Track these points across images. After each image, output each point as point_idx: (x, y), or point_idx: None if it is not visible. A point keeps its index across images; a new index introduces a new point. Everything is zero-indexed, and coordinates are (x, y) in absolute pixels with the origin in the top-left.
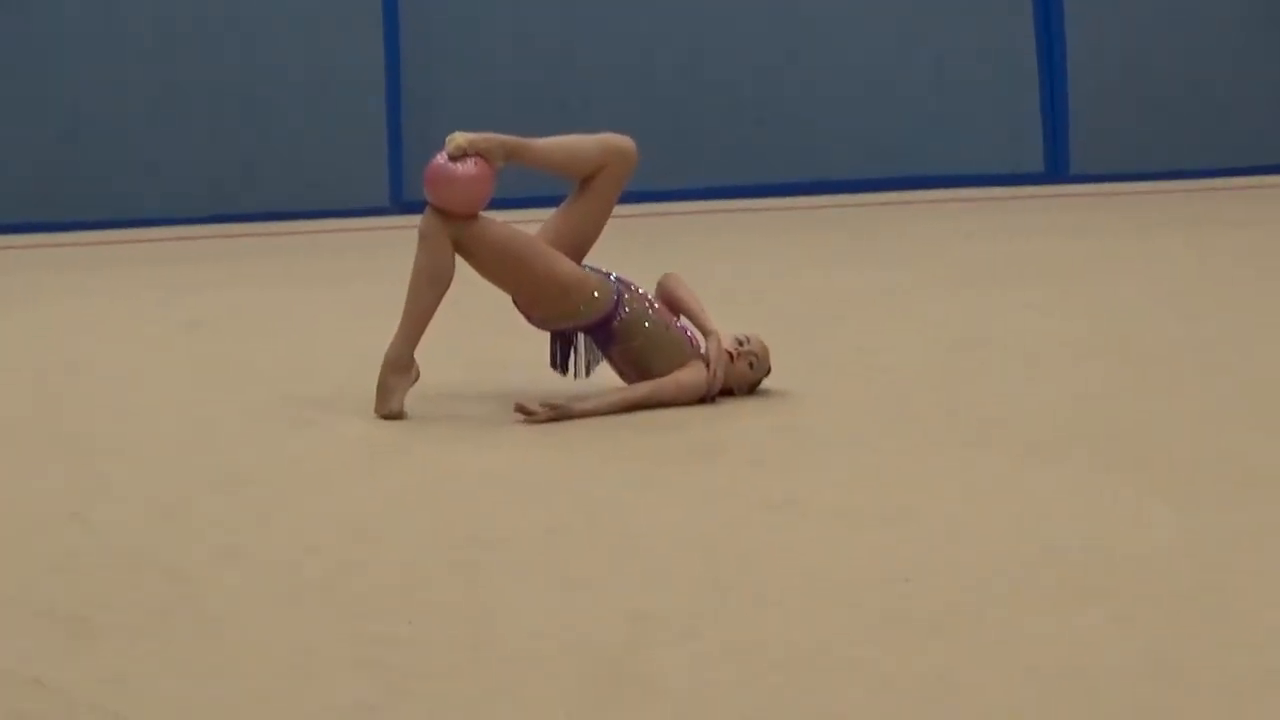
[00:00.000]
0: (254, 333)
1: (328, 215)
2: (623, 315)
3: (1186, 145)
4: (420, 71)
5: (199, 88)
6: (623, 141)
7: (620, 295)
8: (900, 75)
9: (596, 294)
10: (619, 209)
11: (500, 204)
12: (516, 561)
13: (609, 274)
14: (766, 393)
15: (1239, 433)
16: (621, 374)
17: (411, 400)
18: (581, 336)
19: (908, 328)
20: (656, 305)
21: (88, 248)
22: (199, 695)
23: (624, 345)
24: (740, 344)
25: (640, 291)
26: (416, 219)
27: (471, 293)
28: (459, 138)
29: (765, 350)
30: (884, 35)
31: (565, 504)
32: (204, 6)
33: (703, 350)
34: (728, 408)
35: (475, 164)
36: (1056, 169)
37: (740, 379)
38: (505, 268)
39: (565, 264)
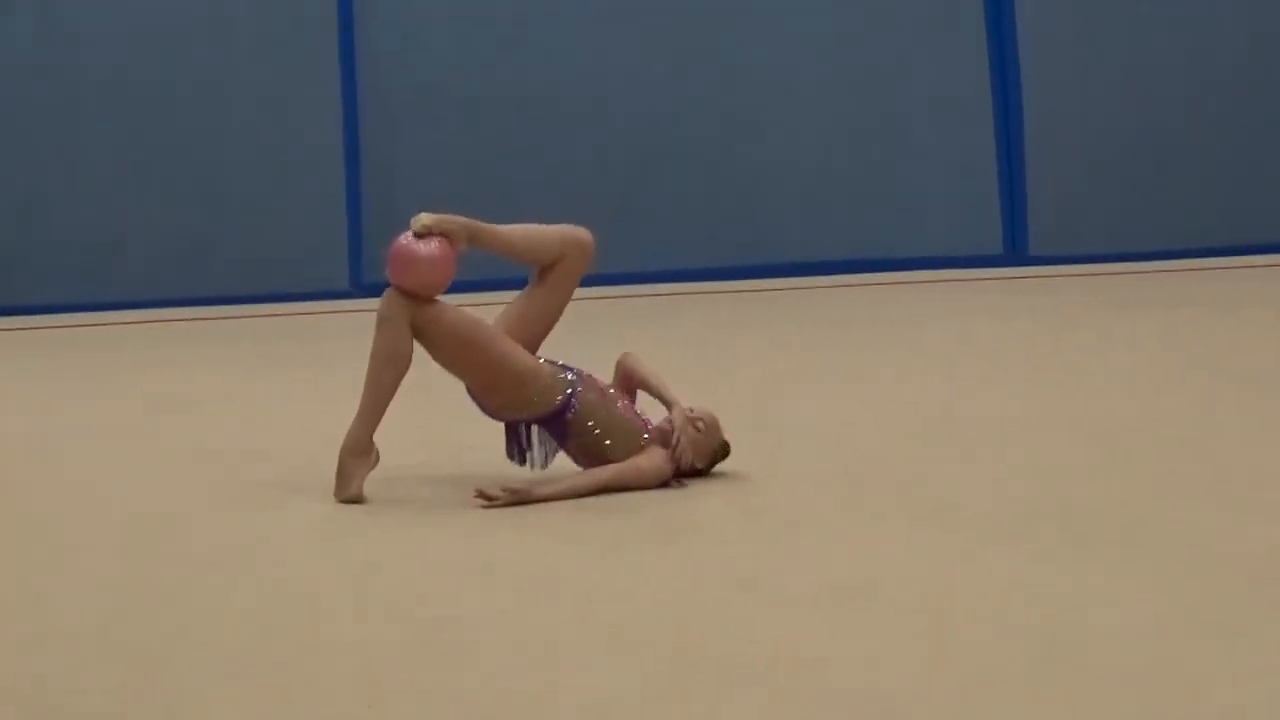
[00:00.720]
0: (213, 415)
1: (287, 299)
2: (575, 408)
3: (1148, 226)
4: (380, 150)
5: (156, 168)
6: (581, 234)
7: (574, 388)
8: (856, 157)
9: (550, 386)
10: (577, 291)
11: (460, 288)
12: (475, 642)
13: (565, 366)
14: (726, 474)
15: (1196, 511)
16: (578, 463)
17: (371, 484)
18: (535, 428)
19: (868, 409)
20: (611, 392)
21: (42, 331)
22: None
23: (579, 439)
24: (688, 412)
25: (595, 380)
26: (376, 302)
27: (433, 376)
28: (424, 218)
29: (714, 420)
30: (840, 115)
31: (524, 585)
32: (160, 85)
33: (659, 425)
34: (687, 489)
35: (438, 245)
36: (1015, 250)
37: (695, 449)
38: (460, 354)
39: (520, 353)
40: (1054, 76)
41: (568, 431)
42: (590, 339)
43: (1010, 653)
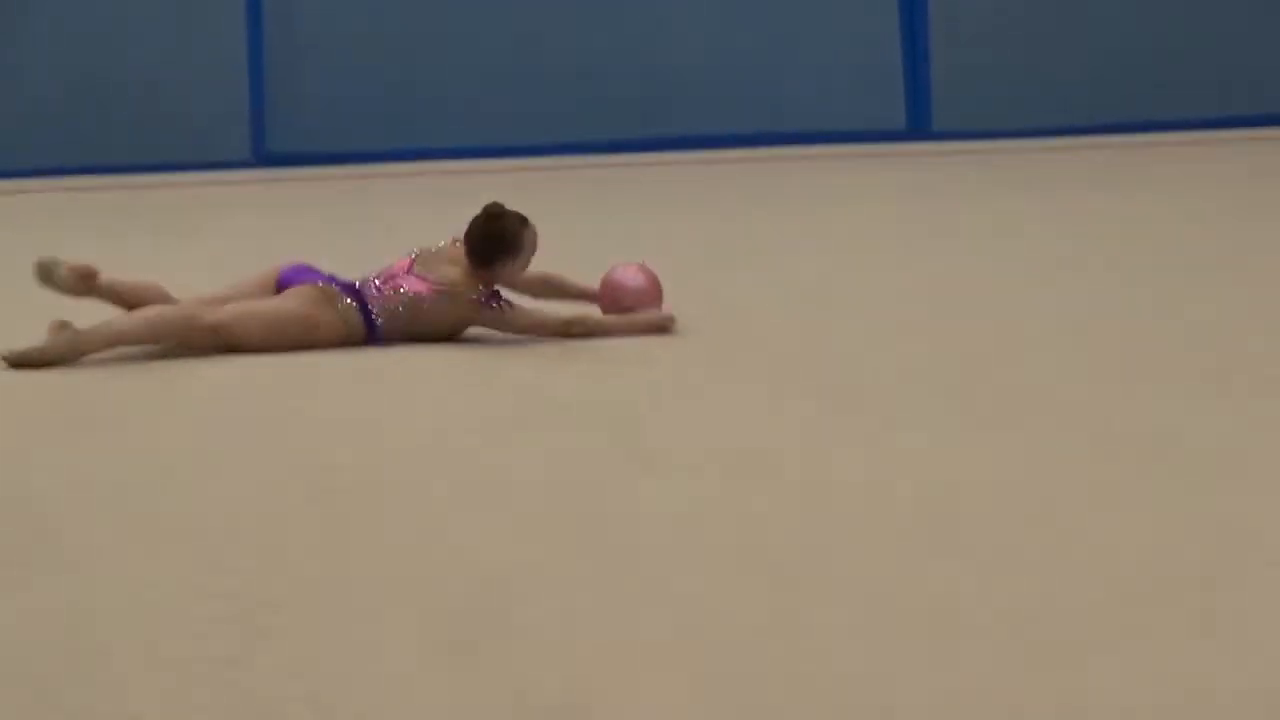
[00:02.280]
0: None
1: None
2: (379, 333)
3: (1045, 103)
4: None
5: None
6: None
7: (369, 313)
8: (765, 32)
9: (347, 327)
10: (457, 163)
11: None
12: (373, 502)
13: (347, 290)
14: (628, 346)
15: (1087, 385)
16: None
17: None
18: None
19: (774, 286)
20: (389, 288)
21: None
22: (58, 640)
23: (400, 334)
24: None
25: (384, 288)
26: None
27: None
28: None
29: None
30: None
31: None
32: None
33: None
34: (593, 363)
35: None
36: (918, 125)
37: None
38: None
39: (310, 328)
40: None
41: (382, 332)
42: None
43: (899, 519)
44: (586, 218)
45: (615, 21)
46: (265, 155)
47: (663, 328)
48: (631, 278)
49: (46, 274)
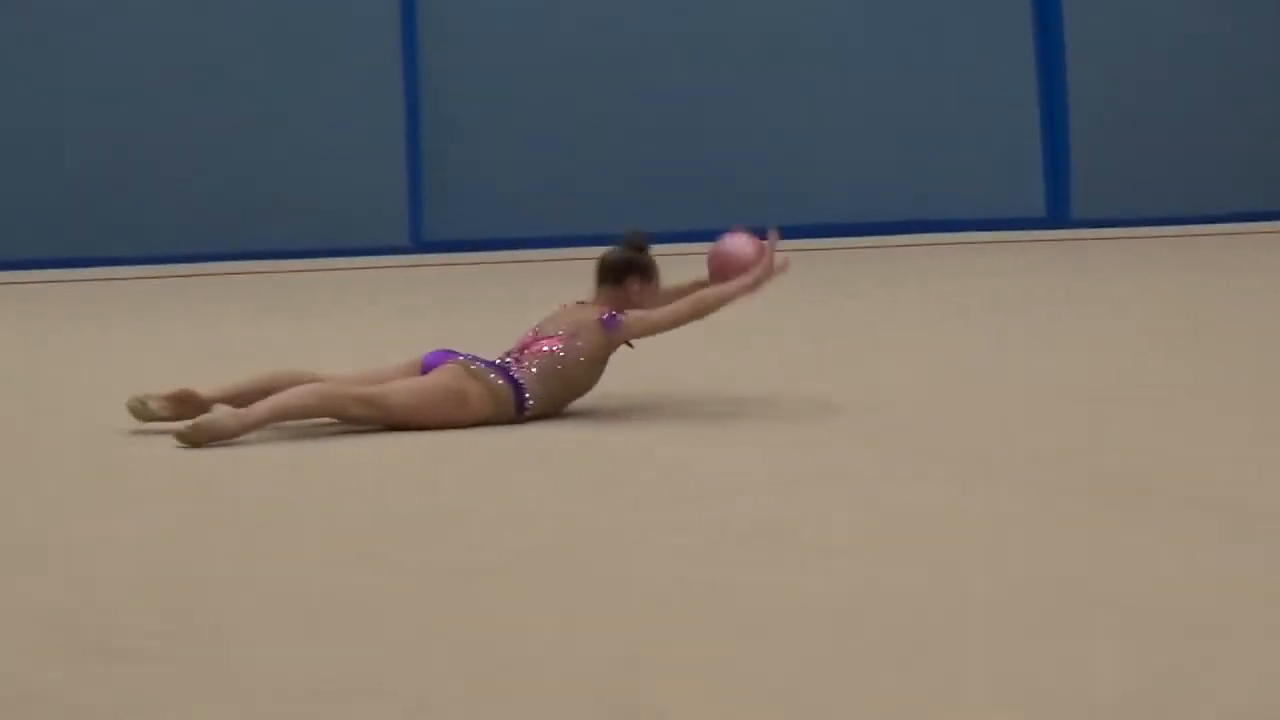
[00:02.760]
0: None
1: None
2: (528, 404)
3: (1186, 191)
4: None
5: (221, 127)
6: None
7: (514, 381)
8: (907, 124)
9: (495, 400)
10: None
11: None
12: (514, 588)
13: (490, 365)
14: (776, 420)
15: (1228, 466)
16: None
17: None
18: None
19: (917, 360)
20: (526, 356)
21: (120, 283)
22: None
23: (547, 401)
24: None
25: (521, 357)
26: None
27: None
28: None
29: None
30: (892, 85)
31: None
32: (221, 50)
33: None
34: (734, 440)
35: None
36: (1058, 213)
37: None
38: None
39: (461, 402)
40: (1097, 49)
41: (528, 407)
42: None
43: (1042, 602)
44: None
45: (762, 115)
46: (423, 242)
47: (771, 276)
48: (741, 247)
49: (141, 412)
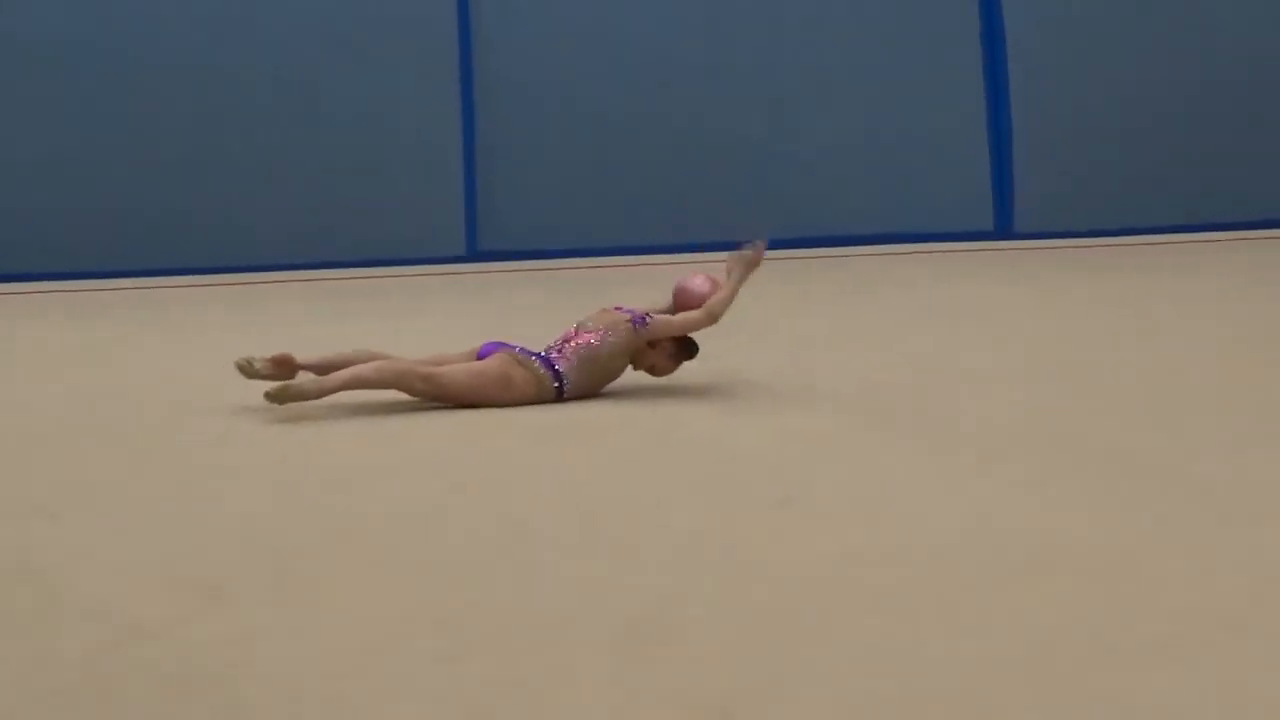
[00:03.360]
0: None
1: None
2: (565, 385)
3: (1122, 206)
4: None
5: (295, 150)
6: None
7: (554, 368)
8: (867, 147)
9: (538, 384)
10: (635, 258)
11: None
12: (555, 540)
13: (535, 355)
14: (778, 401)
15: (1143, 434)
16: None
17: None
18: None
19: (880, 356)
20: (568, 348)
21: (201, 289)
22: (307, 652)
23: (581, 386)
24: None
25: (563, 348)
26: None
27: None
28: None
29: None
30: (854, 114)
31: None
32: (294, 80)
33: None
34: (741, 416)
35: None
36: (1004, 228)
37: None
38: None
39: (508, 385)
40: (1040, 80)
41: (567, 392)
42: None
43: (990, 554)
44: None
45: (731, 140)
46: (478, 252)
47: (754, 262)
48: (698, 285)
49: (247, 370)
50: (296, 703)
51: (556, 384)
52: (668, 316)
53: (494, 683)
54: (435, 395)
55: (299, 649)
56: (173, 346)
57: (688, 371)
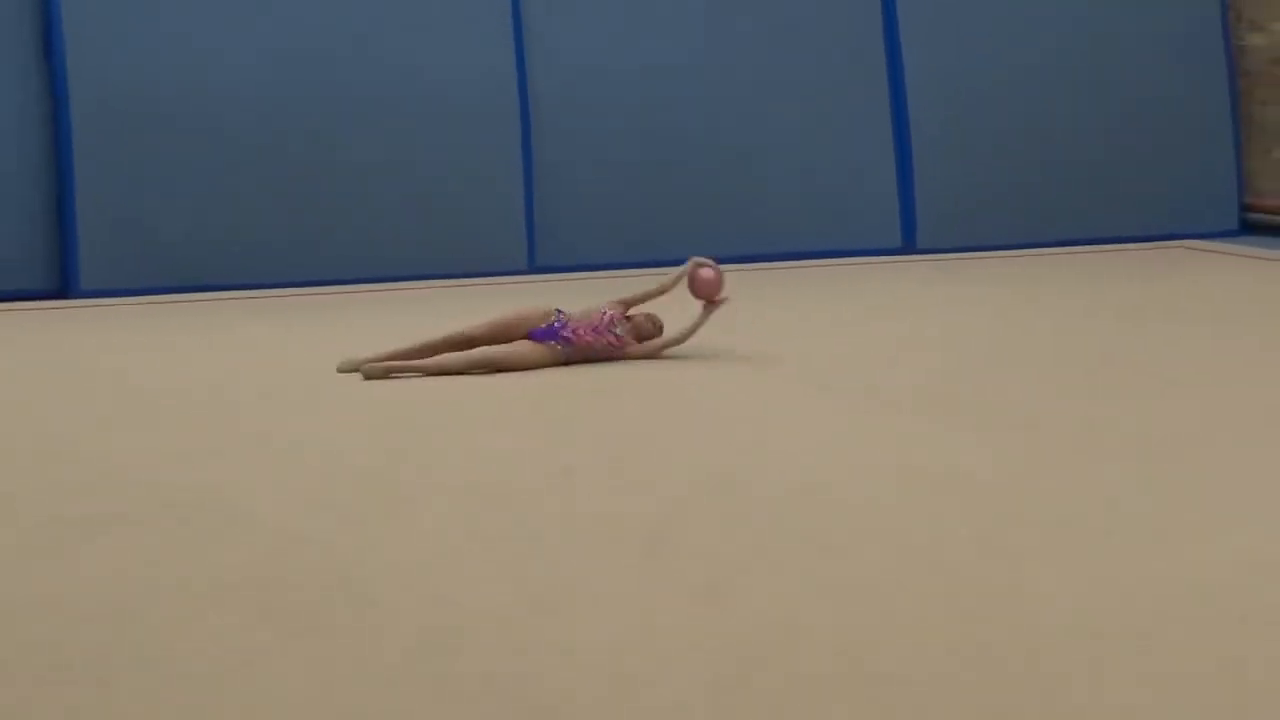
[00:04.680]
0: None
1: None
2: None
3: (1007, 226)
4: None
5: (368, 171)
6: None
7: (569, 342)
8: (793, 177)
9: (553, 356)
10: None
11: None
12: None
13: (561, 338)
14: (733, 373)
15: (1029, 392)
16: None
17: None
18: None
19: (792, 344)
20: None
21: (283, 299)
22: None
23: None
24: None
25: (577, 328)
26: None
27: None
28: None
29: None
30: (781, 148)
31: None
32: (354, 101)
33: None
34: (717, 380)
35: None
36: (910, 243)
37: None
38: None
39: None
40: (936, 113)
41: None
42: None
43: (888, 478)
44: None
45: (662, 163)
46: (537, 266)
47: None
48: (707, 275)
49: (350, 367)
50: (407, 589)
51: (565, 354)
52: (635, 345)
53: (553, 572)
54: (496, 368)
55: (381, 554)
56: (301, 338)
57: (686, 355)
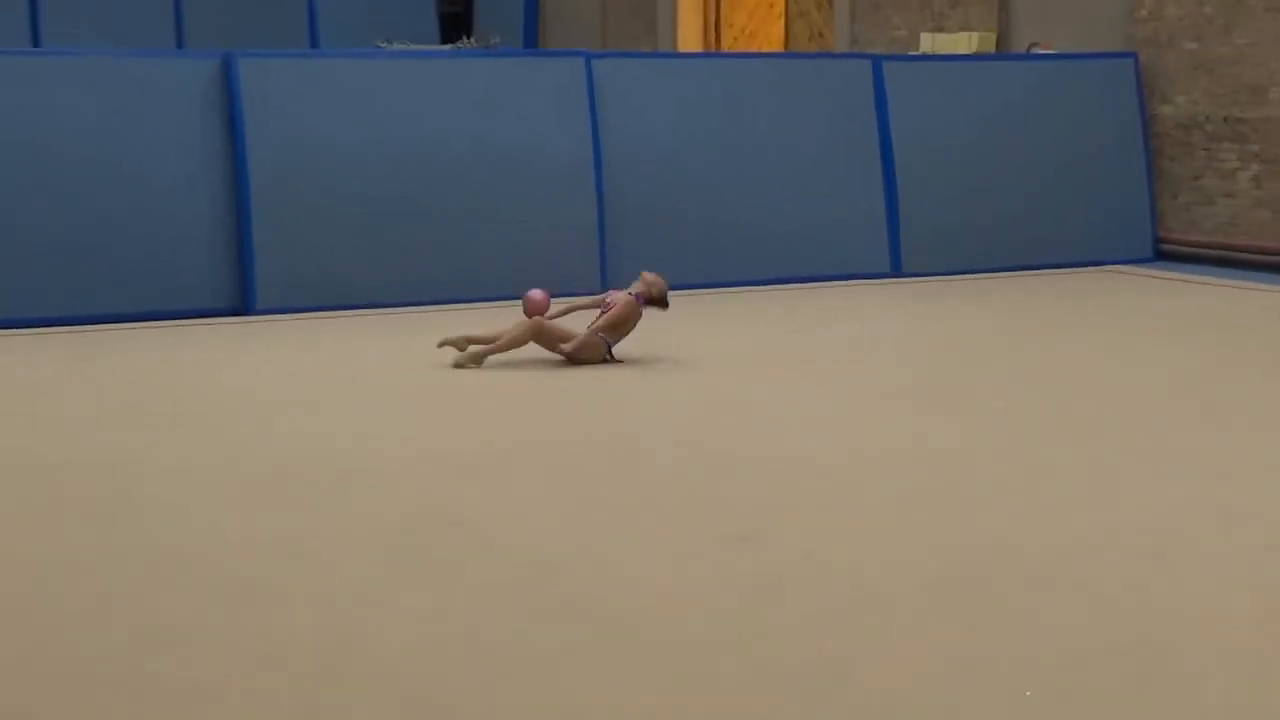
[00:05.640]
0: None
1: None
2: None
3: (974, 254)
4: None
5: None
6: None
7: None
8: (805, 217)
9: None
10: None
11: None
12: (654, 444)
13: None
14: (744, 369)
15: (985, 382)
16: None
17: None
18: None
19: (800, 347)
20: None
21: (408, 315)
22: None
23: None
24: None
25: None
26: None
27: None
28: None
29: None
30: (795, 196)
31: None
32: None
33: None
34: (738, 376)
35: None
36: (896, 269)
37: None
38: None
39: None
40: (916, 165)
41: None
42: (659, 323)
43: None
44: (706, 322)
45: (683, 197)
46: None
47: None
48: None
49: (449, 342)
50: (512, 533)
51: (608, 350)
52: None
53: (622, 520)
54: (572, 363)
55: (493, 507)
56: (393, 347)
57: (709, 348)
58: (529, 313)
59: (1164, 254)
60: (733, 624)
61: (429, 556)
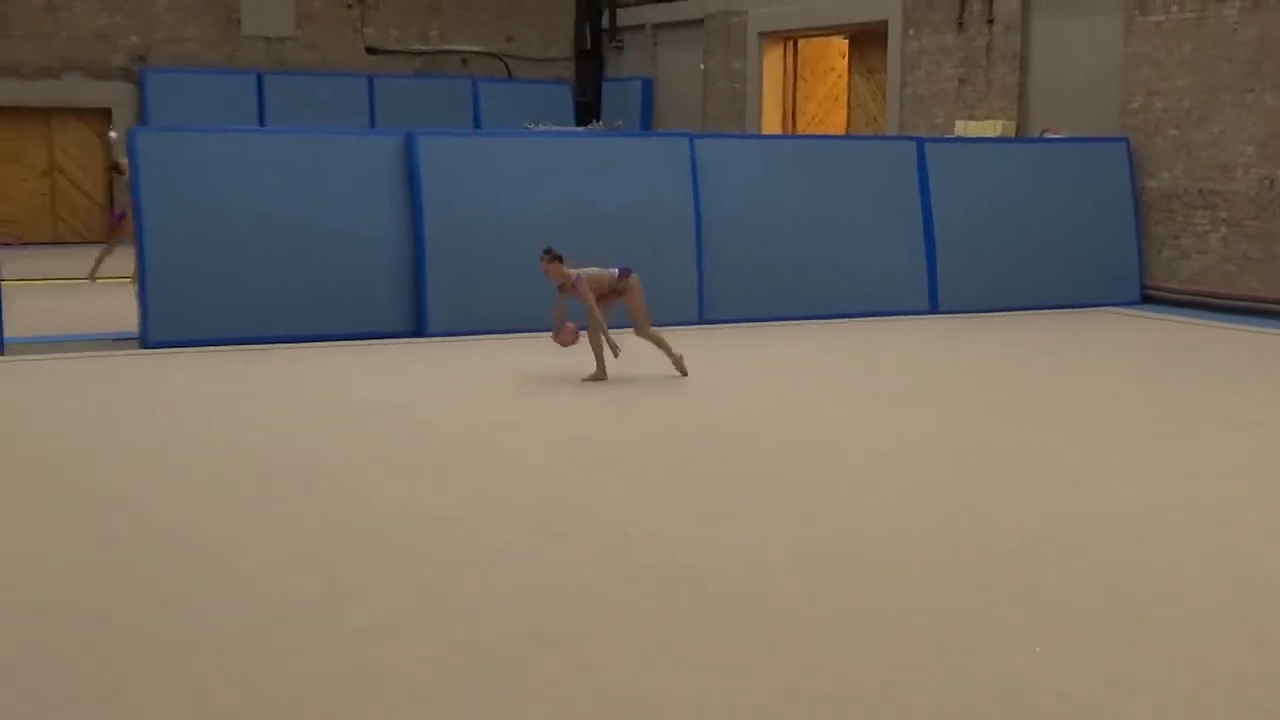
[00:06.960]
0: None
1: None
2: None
3: (997, 294)
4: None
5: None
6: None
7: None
8: (860, 265)
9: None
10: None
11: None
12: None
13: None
14: (788, 394)
15: (995, 391)
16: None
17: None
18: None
19: (857, 365)
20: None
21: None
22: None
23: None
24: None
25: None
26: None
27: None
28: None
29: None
30: (851, 249)
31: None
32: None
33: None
34: (764, 392)
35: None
36: (934, 307)
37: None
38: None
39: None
40: (951, 225)
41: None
42: (715, 345)
43: (876, 448)
44: (756, 348)
45: (737, 245)
46: (705, 319)
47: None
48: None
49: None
50: (612, 510)
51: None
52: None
53: (702, 499)
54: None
55: (593, 490)
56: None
57: (745, 360)
58: (563, 342)
59: (1149, 298)
60: (798, 577)
61: (549, 528)
